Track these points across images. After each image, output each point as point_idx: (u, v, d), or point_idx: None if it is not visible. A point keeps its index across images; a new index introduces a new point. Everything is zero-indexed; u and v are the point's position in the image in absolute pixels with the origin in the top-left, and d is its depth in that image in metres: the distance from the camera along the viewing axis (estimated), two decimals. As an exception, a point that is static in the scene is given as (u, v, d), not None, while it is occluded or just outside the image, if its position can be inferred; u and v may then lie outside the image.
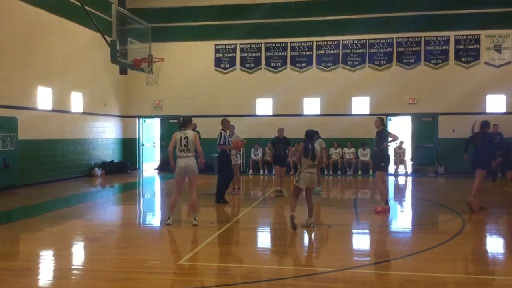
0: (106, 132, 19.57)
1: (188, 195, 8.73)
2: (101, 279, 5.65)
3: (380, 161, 10.26)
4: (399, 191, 14.95)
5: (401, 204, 12.34)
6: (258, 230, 8.92)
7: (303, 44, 19.77)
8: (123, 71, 16.86)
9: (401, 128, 19.64)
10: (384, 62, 19.23)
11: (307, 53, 19.76)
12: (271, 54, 20.04)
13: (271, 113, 19.91)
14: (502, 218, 10.05)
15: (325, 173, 18.59)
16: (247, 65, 20.21)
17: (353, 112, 19.40)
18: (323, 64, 19.64)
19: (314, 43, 19.70)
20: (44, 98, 15.42)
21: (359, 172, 18.78)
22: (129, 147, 21.10)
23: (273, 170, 13.82)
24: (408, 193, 14.68)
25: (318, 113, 19.57)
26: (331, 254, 6.90)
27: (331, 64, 19.59)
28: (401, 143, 18.66)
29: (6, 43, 13.75)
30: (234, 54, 20.31)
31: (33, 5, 14.77)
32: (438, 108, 18.78)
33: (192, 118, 9.25)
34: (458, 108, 18.48)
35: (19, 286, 5.46)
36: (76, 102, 17.33)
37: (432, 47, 18.93)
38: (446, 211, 10.38)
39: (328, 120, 19.09)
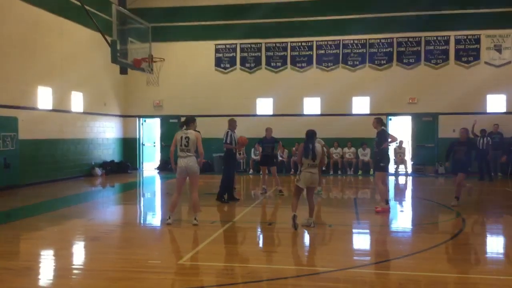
0: (106, 132, 19.58)
1: (189, 195, 8.72)
2: (102, 278, 5.65)
3: (379, 161, 10.25)
4: (399, 191, 14.95)
5: (401, 204, 12.34)
6: (259, 229, 8.92)
7: (303, 44, 19.77)
8: (123, 71, 16.85)
9: (401, 128, 19.69)
10: (384, 62, 19.24)
11: (307, 53, 19.76)
12: (271, 54, 20.04)
13: (271, 113, 19.91)
14: (502, 218, 10.05)
15: (331, 173, 18.60)
16: (248, 65, 20.22)
17: (353, 112, 19.41)
18: (323, 64, 19.65)
19: (314, 43, 19.70)
20: (44, 98, 15.43)
21: (359, 172, 18.79)
22: (129, 147, 21.10)
23: (261, 170, 13.74)
24: (408, 193, 14.69)
25: (318, 113, 19.57)
26: (332, 254, 6.90)
27: (332, 64, 19.60)
28: (401, 142, 18.67)
29: (6, 43, 13.75)
30: (234, 54, 20.32)
31: (33, 5, 14.78)
32: (438, 108, 18.78)
33: (195, 119, 9.20)
34: (458, 108, 18.49)
35: (19, 286, 5.46)
36: (76, 102, 17.34)
37: (432, 47, 18.93)
38: (446, 211, 10.37)
39: (328, 120, 19.08)
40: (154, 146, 21.82)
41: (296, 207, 8.23)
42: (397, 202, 12.26)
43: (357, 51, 19.42)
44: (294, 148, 17.63)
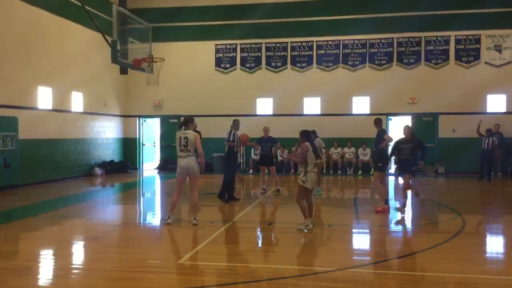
0: (106, 132, 19.58)
1: (189, 194, 8.72)
2: (101, 278, 5.65)
3: (377, 161, 10.28)
4: (399, 191, 14.92)
5: (401, 203, 12.30)
6: (258, 229, 8.91)
7: (303, 44, 19.77)
8: (123, 71, 16.84)
9: (401, 128, 19.63)
10: (385, 62, 19.23)
11: (307, 53, 19.76)
12: (271, 54, 20.03)
13: (271, 113, 19.90)
14: (502, 218, 10.05)
15: (331, 173, 18.61)
16: (248, 65, 20.21)
17: (354, 112, 19.40)
18: (323, 64, 19.64)
19: (315, 43, 19.69)
20: (44, 98, 15.42)
21: (359, 172, 18.78)
22: (129, 146, 21.10)
23: (260, 170, 13.74)
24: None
25: (319, 113, 19.57)
26: (331, 254, 6.90)
27: (332, 64, 19.59)
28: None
29: (6, 43, 13.74)
30: (234, 54, 20.32)
31: (33, 5, 14.77)
32: (438, 108, 18.77)
33: (193, 118, 9.22)
34: (459, 108, 18.48)
35: (19, 285, 5.46)
36: (77, 101, 17.33)
37: (432, 47, 18.92)
38: (446, 211, 10.37)
39: (328, 120, 19.09)
40: (154, 146, 21.81)
41: (307, 210, 8.14)
42: (397, 202, 12.24)
43: (357, 51, 19.41)
44: (294, 148, 17.61)
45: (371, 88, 19.17)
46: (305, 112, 19.69)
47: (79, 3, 13.95)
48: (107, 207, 11.79)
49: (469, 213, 10.01)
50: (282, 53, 19.94)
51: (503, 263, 6.67)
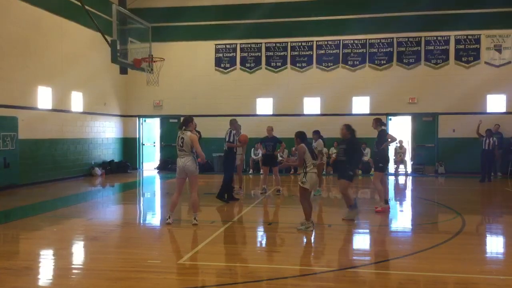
0: (106, 132, 19.57)
1: (189, 194, 8.72)
2: (101, 278, 5.64)
3: (378, 161, 10.24)
4: (399, 191, 14.95)
5: (401, 203, 12.33)
6: (258, 229, 8.91)
7: (303, 44, 19.77)
8: (123, 71, 16.86)
9: (401, 128, 19.67)
10: (385, 62, 19.22)
11: (307, 53, 19.75)
12: (271, 54, 20.03)
13: (271, 113, 19.90)
14: (502, 218, 10.05)
15: (331, 173, 18.58)
16: (248, 65, 20.21)
17: (353, 112, 19.39)
18: (323, 64, 19.64)
19: (315, 43, 19.69)
20: (44, 97, 15.42)
21: (359, 172, 18.75)
22: (129, 146, 21.10)
23: (262, 170, 13.74)
24: (408, 193, 14.68)
25: (319, 112, 19.57)
26: (331, 254, 6.90)
27: (332, 64, 19.58)
28: (401, 142, 18.66)
29: (6, 43, 13.74)
30: (234, 54, 20.31)
31: (33, 5, 14.77)
32: (438, 108, 18.77)
33: (193, 118, 9.21)
34: (458, 108, 18.48)
35: (19, 286, 5.46)
36: (76, 101, 17.33)
37: (432, 47, 18.92)
38: (446, 211, 10.37)
39: (328, 120, 19.05)
40: (154, 146, 21.82)
41: (311, 211, 8.13)
42: (397, 202, 12.25)
43: (357, 51, 19.41)
44: (293, 148, 17.60)
45: (371, 88, 19.17)
46: (305, 112, 19.68)
47: (79, 3, 13.94)
48: (107, 207, 11.79)
49: (469, 213, 10.01)
50: (282, 53, 19.93)
51: (503, 263, 6.67)
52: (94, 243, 7.48)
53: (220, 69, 20.39)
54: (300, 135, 8.33)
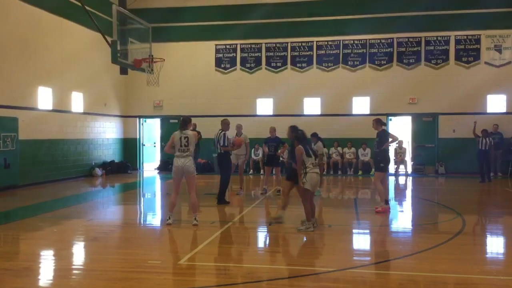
0: (106, 132, 19.58)
1: (188, 195, 8.73)
2: (102, 279, 5.65)
3: (379, 162, 10.23)
4: (400, 191, 14.95)
5: (401, 204, 12.33)
6: (258, 230, 8.91)
7: (303, 44, 19.77)
8: (123, 71, 16.85)
9: (401, 128, 19.68)
10: (385, 62, 19.23)
11: (307, 53, 19.76)
12: (271, 54, 20.04)
13: (271, 113, 19.90)
14: (502, 218, 10.05)
15: (331, 173, 18.58)
16: (248, 65, 20.21)
17: (354, 112, 19.40)
18: (323, 64, 19.64)
19: (315, 43, 19.70)
20: (44, 98, 15.43)
21: (360, 172, 18.78)
22: (130, 147, 21.11)
23: (263, 170, 13.74)
24: (409, 193, 14.68)
25: (319, 113, 19.57)
26: (331, 254, 6.90)
27: (332, 64, 19.59)
28: (401, 143, 18.65)
29: (6, 43, 13.75)
30: (234, 54, 20.32)
31: (33, 5, 14.78)
32: (438, 108, 18.78)
33: (192, 118, 9.29)
34: (459, 108, 18.49)
35: (19, 286, 5.46)
36: (77, 102, 17.33)
37: (432, 47, 18.93)
38: (447, 211, 10.37)
39: (328, 120, 19.09)
40: (154, 146, 21.82)
41: (311, 212, 8.13)
42: (397, 202, 12.25)
43: (357, 51, 19.41)
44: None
45: (371, 88, 19.17)
46: (305, 112, 19.68)
47: (79, 3, 13.94)
48: (107, 208, 11.79)
49: (469, 213, 10.01)
50: (282, 53, 19.93)
51: (503, 263, 6.67)
52: (94, 244, 7.48)
53: (220, 69, 20.39)
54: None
